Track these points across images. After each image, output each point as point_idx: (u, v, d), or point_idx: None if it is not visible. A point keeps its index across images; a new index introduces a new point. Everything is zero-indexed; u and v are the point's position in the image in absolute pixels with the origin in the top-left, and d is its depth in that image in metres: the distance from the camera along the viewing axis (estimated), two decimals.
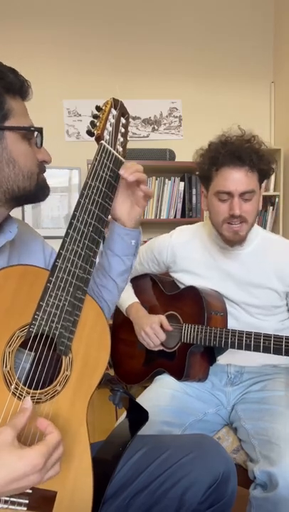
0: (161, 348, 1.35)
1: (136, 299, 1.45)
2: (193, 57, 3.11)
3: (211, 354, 1.30)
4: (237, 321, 1.30)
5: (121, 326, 1.49)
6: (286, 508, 0.96)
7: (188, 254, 1.37)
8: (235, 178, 1.18)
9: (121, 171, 0.84)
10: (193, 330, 1.24)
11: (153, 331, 1.32)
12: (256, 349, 1.11)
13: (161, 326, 1.33)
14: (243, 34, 3.13)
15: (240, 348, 1.14)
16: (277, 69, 3.15)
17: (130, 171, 0.84)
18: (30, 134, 0.77)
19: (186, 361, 1.26)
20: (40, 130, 0.77)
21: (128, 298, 1.46)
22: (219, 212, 1.22)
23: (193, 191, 2.83)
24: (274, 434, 1.08)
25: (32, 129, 0.76)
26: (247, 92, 3.15)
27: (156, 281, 1.48)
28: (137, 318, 1.39)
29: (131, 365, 1.48)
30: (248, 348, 1.13)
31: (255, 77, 3.16)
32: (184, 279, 1.38)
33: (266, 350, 1.10)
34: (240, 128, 1.25)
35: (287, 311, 1.35)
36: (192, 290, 1.30)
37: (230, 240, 1.25)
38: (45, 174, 0.83)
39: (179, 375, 1.28)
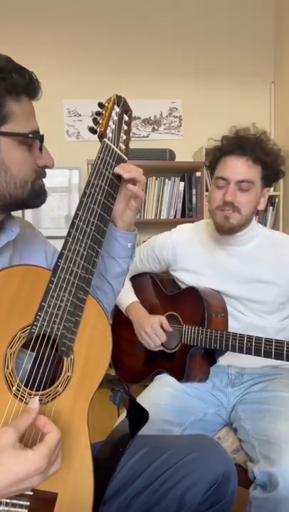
0: (162, 348, 1.35)
1: (136, 299, 1.45)
2: (193, 57, 3.10)
3: (211, 355, 1.29)
4: (237, 320, 1.30)
5: (121, 325, 1.48)
6: (286, 508, 0.96)
7: (189, 252, 1.36)
8: (234, 165, 1.20)
9: (117, 169, 0.81)
10: (194, 331, 1.24)
11: (154, 331, 1.32)
12: (257, 353, 1.10)
13: (162, 327, 1.33)
14: (243, 34, 3.13)
15: (240, 351, 1.13)
16: (277, 69, 3.15)
17: (127, 169, 0.82)
18: (31, 140, 0.73)
19: (187, 362, 1.26)
20: (38, 137, 0.74)
21: (128, 297, 1.45)
22: (214, 199, 1.24)
23: (193, 191, 2.83)
24: (274, 434, 1.08)
25: (30, 136, 0.72)
26: (247, 92, 3.15)
27: (156, 280, 1.48)
28: (137, 318, 1.38)
29: (131, 365, 1.48)
30: (248, 351, 1.12)
31: (255, 77, 3.15)
32: (185, 277, 1.37)
33: (267, 354, 1.09)
34: (255, 126, 1.27)
35: None
36: (192, 291, 1.29)
37: (221, 226, 1.25)
38: (45, 179, 0.80)
39: (180, 376, 1.28)
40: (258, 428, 1.14)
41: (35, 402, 0.61)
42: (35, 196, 0.78)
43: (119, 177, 0.83)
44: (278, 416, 1.14)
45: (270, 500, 0.97)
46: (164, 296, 1.43)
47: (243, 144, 1.19)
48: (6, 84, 0.68)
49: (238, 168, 1.19)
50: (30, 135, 0.72)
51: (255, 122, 1.28)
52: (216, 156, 1.26)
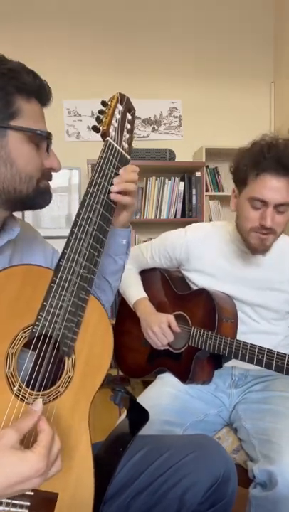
0: (167, 347, 1.33)
1: (144, 294, 1.42)
2: (194, 58, 3.11)
3: (217, 359, 1.28)
4: (246, 325, 1.28)
5: (126, 318, 1.47)
6: (286, 507, 0.96)
7: (203, 254, 1.32)
8: (275, 188, 1.10)
9: (115, 179, 0.81)
10: (202, 335, 1.21)
11: (161, 330, 1.29)
12: (268, 366, 1.07)
13: (169, 326, 1.31)
14: (243, 34, 3.13)
15: (250, 362, 1.10)
16: (277, 69, 3.15)
17: (120, 179, 0.81)
18: (39, 139, 0.74)
19: (192, 365, 1.24)
20: (46, 135, 0.74)
21: (136, 292, 1.42)
22: (249, 219, 1.16)
23: (193, 191, 2.83)
24: (274, 433, 1.08)
25: (38, 132, 0.72)
26: (247, 92, 3.15)
27: (167, 278, 1.45)
28: (145, 315, 1.36)
29: (133, 360, 1.47)
30: (259, 363, 1.08)
31: (255, 77, 3.16)
32: (197, 279, 1.34)
33: (279, 369, 1.06)
34: None
35: None
36: (204, 293, 1.26)
37: (255, 249, 1.19)
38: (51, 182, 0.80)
39: (184, 377, 1.27)
40: (259, 427, 1.14)
41: (38, 404, 0.60)
42: (40, 195, 0.77)
43: None
44: (279, 415, 1.14)
45: (270, 499, 0.97)
46: (173, 294, 1.40)
47: (285, 161, 1.09)
48: (17, 82, 0.70)
49: (280, 191, 1.10)
50: (39, 131, 0.73)
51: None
52: (249, 169, 1.14)
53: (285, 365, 1.05)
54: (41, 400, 0.62)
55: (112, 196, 0.80)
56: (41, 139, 0.75)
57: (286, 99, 3.02)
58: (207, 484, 0.84)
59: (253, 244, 1.18)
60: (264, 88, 3.19)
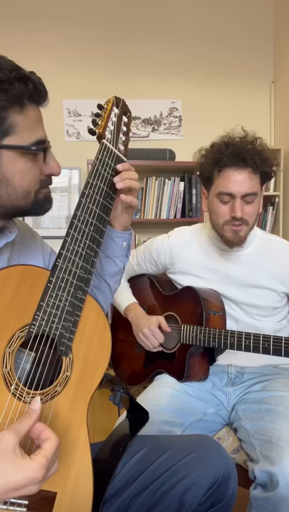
0: (160, 349, 1.35)
1: (134, 300, 1.45)
2: (193, 58, 3.11)
3: (210, 354, 1.29)
4: (236, 321, 1.30)
5: (119, 327, 1.49)
6: (287, 508, 0.95)
7: (187, 256, 1.36)
8: (238, 180, 1.17)
9: (115, 179, 0.81)
10: (192, 331, 1.24)
11: (151, 332, 1.32)
12: (255, 350, 1.11)
13: (160, 327, 1.32)
14: (243, 34, 3.13)
15: (239, 349, 1.13)
16: (277, 69, 3.15)
17: (122, 177, 0.82)
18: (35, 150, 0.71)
19: (186, 362, 1.26)
20: (42, 149, 0.72)
21: (126, 298, 1.45)
22: (220, 214, 1.21)
23: (193, 191, 2.83)
24: (274, 434, 1.08)
25: (33, 148, 0.70)
26: (247, 92, 3.15)
27: (153, 281, 1.48)
28: (135, 319, 1.38)
29: (131, 367, 1.48)
30: (247, 349, 1.12)
31: (255, 77, 3.16)
32: (182, 280, 1.37)
33: (265, 351, 1.10)
34: (244, 129, 1.23)
35: (287, 311, 1.34)
36: (190, 290, 1.29)
37: (231, 241, 1.24)
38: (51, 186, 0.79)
39: (180, 376, 1.28)
40: (258, 428, 1.14)
41: (36, 403, 0.59)
42: (39, 206, 0.76)
43: None
44: (278, 416, 1.14)
45: (271, 500, 0.97)
46: (162, 296, 1.43)
47: (243, 155, 1.15)
48: (8, 96, 0.66)
49: (243, 182, 1.17)
50: (33, 147, 0.70)
51: (242, 126, 1.24)
52: (212, 167, 1.21)
53: (271, 347, 1.09)
54: (39, 397, 0.61)
55: (121, 197, 0.83)
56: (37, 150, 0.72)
57: (286, 99, 3.02)
58: (207, 484, 0.83)
59: (228, 237, 1.23)
60: (264, 88, 3.19)
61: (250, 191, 1.18)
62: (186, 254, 1.36)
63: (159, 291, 1.44)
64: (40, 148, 0.71)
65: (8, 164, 0.69)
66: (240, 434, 1.20)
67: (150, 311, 1.41)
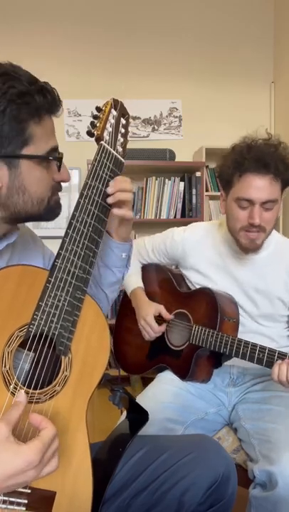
0: (153, 338, 1.34)
1: (140, 284, 1.43)
2: (194, 58, 3.11)
3: (217, 358, 1.28)
4: (243, 326, 1.28)
5: (126, 315, 1.47)
6: (286, 508, 0.96)
7: (199, 253, 1.34)
8: (259, 186, 1.13)
9: (108, 189, 0.81)
10: (204, 333, 1.21)
11: (146, 323, 1.31)
12: (268, 365, 1.07)
13: (160, 316, 1.31)
14: (243, 34, 3.13)
15: (251, 360, 1.10)
16: (277, 69, 3.15)
17: (113, 189, 0.81)
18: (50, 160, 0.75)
19: (192, 363, 1.24)
20: (58, 159, 0.75)
21: (133, 282, 1.43)
22: (238, 219, 1.18)
23: (193, 191, 2.83)
24: (274, 433, 1.08)
25: (50, 158, 0.74)
26: (247, 92, 3.15)
27: (170, 275, 1.45)
28: (136, 307, 1.38)
29: (133, 356, 1.47)
30: (259, 362, 1.09)
31: (255, 77, 3.16)
32: (192, 276, 1.35)
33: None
34: (267, 132, 1.21)
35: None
36: (207, 292, 1.27)
37: (246, 248, 1.21)
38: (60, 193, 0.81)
39: (183, 374, 1.27)
40: (258, 428, 1.14)
41: (21, 395, 0.62)
42: (50, 212, 0.79)
43: None
44: (278, 416, 1.14)
45: (270, 500, 0.97)
46: (176, 292, 1.40)
47: (265, 160, 1.12)
48: (30, 108, 0.69)
49: (264, 189, 1.13)
50: (51, 157, 0.74)
51: (266, 128, 1.22)
52: (232, 171, 1.17)
53: None
54: (23, 390, 0.64)
55: (113, 211, 0.82)
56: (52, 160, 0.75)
57: (286, 99, 3.02)
58: (206, 484, 0.83)
59: (243, 243, 1.21)
60: (264, 88, 3.19)
61: (270, 198, 1.14)
62: (199, 251, 1.34)
63: (174, 287, 1.41)
64: (56, 158, 0.75)
65: (26, 173, 0.72)
66: (240, 434, 1.20)
67: (162, 304, 1.38)
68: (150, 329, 1.31)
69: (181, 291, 1.39)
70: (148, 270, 1.51)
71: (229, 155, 1.21)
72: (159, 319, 1.34)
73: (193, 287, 1.37)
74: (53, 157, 0.74)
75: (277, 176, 1.14)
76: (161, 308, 1.33)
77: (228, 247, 1.31)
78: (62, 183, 0.81)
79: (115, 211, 0.83)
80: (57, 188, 0.79)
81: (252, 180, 1.14)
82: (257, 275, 1.27)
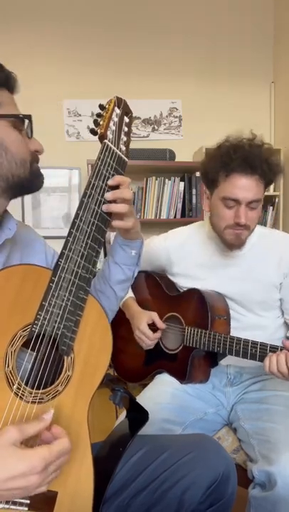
0: (152, 346, 1.33)
1: (130, 294, 1.43)
2: (193, 58, 3.11)
3: (213, 357, 1.28)
4: (237, 321, 1.29)
5: (121, 323, 1.45)
6: (285, 507, 0.96)
7: (184, 258, 1.35)
8: (245, 187, 1.15)
9: (107, 195, 0.80)
10: (196, 334, 1.22)
11: (140, 332, 1.30)
12: (262, 359, 1.08)
13: (154, 324, 1.31)
14: (243, 34, 3.13)
15: (244, 357, 1.11)
16: (277, 69, 3.15)
17: (111, 198, 0.80)
18: (21, 124, 0.77)
19: (188, 365, 1.25)
20: (28, 117, 0.77)
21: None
22: (224, 218, 1.20)
23: (193, 191, 2.83)
24: (273, 433, 1.08)
25: (21, 116, 0.76)
26: (247, 92, 3.15)
27: (158, 280, 1.46)
28: (130, 318, 1.37)
29: (131, 364, 1.47)
30: (252, 357, 1.09)
31: (255, 77, 3.16)
32: (182, 282, 1.36)
33: None
34: (252, 132, 1.21)
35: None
36: (195, 293, 1.28)
37: (232, 244, 1.23)
38: (44, 173, 0.82)
39: (181, 377, 1.27)
40: (257, 428, 1.14)
41: (49, 413, 0.62)
42: (36, 177, 0.80)
43: None
44: (277, 415, 1.14)
45: (269, 500, 0.98)
46: (166, 296, 1.41)
47: (251, 160, 1.13)
48: None
49: (250, 189, 1.15)
50: (21, 115, 0.76)
51: (252, 129, 1.22)
52: (218, 170, 1.18)
53: None
54: (53, 410, 0.63)
55: (114, 223, 0.83)
56: (23, 124, 0.78)
57: (286, 99, 3.02)
58: (206, 484, 0.84)
59: (229, 240, 1.22)
60: (264, 88, 3.19)
61: (255, 198, 1.16)
62: (183, 256, 1.35)
63: (163, 291, 1.42)
64: (27, 117, 0.77)
65: (3, 133, 0.74)
66: (240, 434, 1.20)
67: (153, 310, 1.38)
68: (146, 338, 1.30)
69: (170, 295, 1.39)
70: (136, 278, 1.51)
71: (214, 154, 1.21)
72: (154, 326, 1.34)
73: (182, 290, 1.38)
74: (23, 115, 0.77)
75: (262, 176, 1.17)
76: (154, 316, 1.32)
77: (215, 245, 1.32)
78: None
79: (115, 223, 0.83)
80: (35, 157, 0.81)
81: (238, 181, 1.15)
82: (244, 265, 1.29)
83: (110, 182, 0.80)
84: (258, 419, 1.17)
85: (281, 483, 0.96)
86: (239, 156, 1.14)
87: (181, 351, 1.29)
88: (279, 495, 0.96)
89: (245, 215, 1.17)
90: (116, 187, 0.81)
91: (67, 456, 0.61)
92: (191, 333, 1.24)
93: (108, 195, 0.79)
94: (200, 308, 1.24)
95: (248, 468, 1.09)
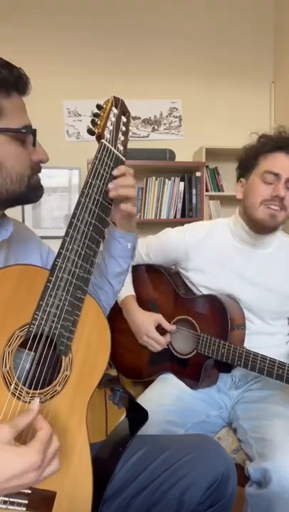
0: (165, 346, 1.30)
1: (131, 292, 1.39)
2: (193, 58, 3.11)
3: (227, 365, 1.22)
4: (247, 329, 1.26)
5: (118, 315, 1.38)
6: (280, 504, 0.95)
7: (202, 254, 1.31)
8: (285, 162, 1.18)
9: (110, 185, 0.81)
10: (214, 344, 1.18)
11: (150, 339, 1.27)
12: (279, 379, 1.06)
13: (160, 327, 1.28)
14: (243, 34, 3.13)
15: (269, 376, 1.07)
16: (277, 69, 3.15)
17: (116, 185, 0.81)
18: (23, 135, 0.74)
19: (202, 373, 1.21)
20: (31, 131, 0.74)
21: (125, 290, 1.36)
22: (260, 193, 1.19)
23: (193, 191, 2.83)
24: (269, 431, 1.08)
25: (23, 131, 0.73)
26: (247, 92, 3.15)
27: (166, 276, 1.40)
28: (131, 321, 1.33)
29: (133, 361, 1.42)
30: (279, 378, 1.06)
31: (255, 77, 3.16)
32: (195, 277, 1.32)
33: None
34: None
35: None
36: (214, 299, 1.24)
37: (263, 225, 1.21)
38: (41, 174, 0.81)
39: (193, 384, 1.24)
40: (255, 427, 1.14)
41: (35, 403, 0.61)
42: (32, 191, 0.78)
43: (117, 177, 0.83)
44: (274, 414, 1.14)
45: (264, 497, 0.97)
46: (177, 297, 1.36)
47: None
48: None
49: None
50: (23, 130, 0.73)
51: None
52: (259, 150, 1.22)
53: None
54: (38, 398, 0.62)
55: (119, 206, 0.83)
56: (25, 135, 0.75)
57: (286, 99, 3.02)
58: (206, 484, 0.83)
59: (261, 219, 1.20)
60: (264, 88, 3.19)
61: None
62: (202, 252, 1.31)
63: (175, 291, 1.37)
64: (29, 131, 0.74)
65: (0, 148, 0.71)
66: (239, 433, 1.20)
67: (162, 311, 1.34)
68: (155, 343, 1.27)
69: (183, 297, 1.34)
70: (141, 270, 1.45)
71: (254, 144, 1.26)
72: (161, 329, 1.30)
73: (193, 288, 1.34)
74: (26, 130, 0.73)
75: None
76: (160, 319, 1.29)
77: (233, 242, 1.30)
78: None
79: (123, 206, 0.84)
80: (36, 168, 0.79)
81: (280, 157, 1.19)
82: (262, 270, 1.27)
83: (115, 172, 0.81)
84: (256, 418, 1.16)
85: (276, 479, 0.95)
86: (282, 139, 1.21)
87: (193, 357, 1.25)
88: (274, 491, 0.95)
89: (285, 190, 1.17)
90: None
91: (55, 442, 0.60)
92: (207, 341, 1.20)
93: (114, 183, 0.80)
94: (219, 317, 1.20)
95: (245, 466, 1.08)
